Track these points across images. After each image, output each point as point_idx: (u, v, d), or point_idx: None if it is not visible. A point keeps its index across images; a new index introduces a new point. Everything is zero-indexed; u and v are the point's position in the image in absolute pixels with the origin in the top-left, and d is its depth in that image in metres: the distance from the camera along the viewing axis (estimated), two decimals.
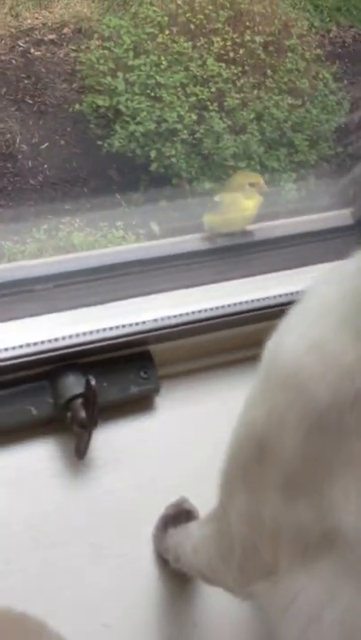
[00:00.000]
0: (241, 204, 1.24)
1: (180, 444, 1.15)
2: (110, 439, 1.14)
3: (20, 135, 3.31)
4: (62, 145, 3.35)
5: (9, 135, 3.31)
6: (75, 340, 1.12)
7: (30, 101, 3.41)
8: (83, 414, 1.09)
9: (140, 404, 1.17)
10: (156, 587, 1.07)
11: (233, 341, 1.20)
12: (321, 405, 0.68)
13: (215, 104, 3.21)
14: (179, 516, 1.09)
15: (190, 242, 1.25)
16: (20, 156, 3.27)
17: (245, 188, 1.23)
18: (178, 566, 1.03)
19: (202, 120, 3.20)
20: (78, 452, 1.12)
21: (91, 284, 1.19)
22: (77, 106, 3.33)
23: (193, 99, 3.20)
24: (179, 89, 3.21)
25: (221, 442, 1.16)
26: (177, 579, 1.07)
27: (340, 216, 1.33)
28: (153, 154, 3.20)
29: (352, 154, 3.39)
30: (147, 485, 1.12)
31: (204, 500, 1.10)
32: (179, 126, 3.17)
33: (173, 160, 3.18)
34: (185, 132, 3.18)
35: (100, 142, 3.24)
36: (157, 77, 3.21)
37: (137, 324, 1.13)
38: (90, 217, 3.04)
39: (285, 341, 0.78)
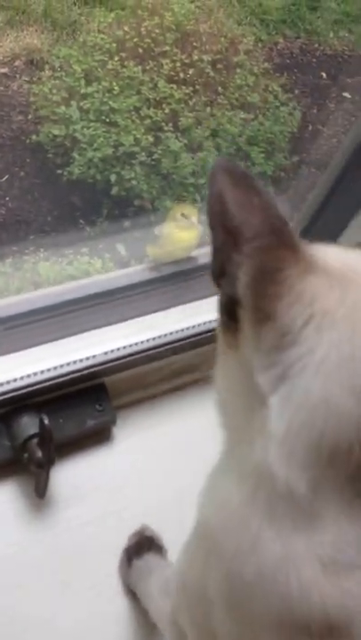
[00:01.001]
0: (178, 237, 1.24)
1: (140, 473, 1.15)
2: (70, 475, 1.15)
3: None
4: (22, 176, 3.35)
5: None
6: (27, 381, 1.12)
7: None
8: (39, 454, 1.09)
9: (98, 436, 1.17)
10: (127, 619, 1.07)
11: (185, 365, 1.20)
12: (227, 555, 0.68)
13: (170, 124, 3.22)
14: (141, 544, 1.09)
15: (136, 273, 1.26)
16: None
17: (182, 220, 1.24)
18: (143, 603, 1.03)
19: (158, 141, 3.21)
20: (38, 492, 1.12)
21: (40, 324, 1.19)
22: (34, 137, 3.32)
23: (148, 121, 3.21)
24: (133, 113, 3.21)
25: (179, 466, 1.17)
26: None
27: None
28: (113, 178, 3.21)
29: (308, 162, 3.42)
30: (110, 517, 1.12)
31: (167, 526, 1.11)
32: (136, 149, 3.18)
33: (134, 182, 3.19)
34: (143, 154, 3.18)
35: (59, 171, 3.24)
36: (111, 103, 3.21)
37: (88, 358, 1.14)
38: (55, 245, 3.04)
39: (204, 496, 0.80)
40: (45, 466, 1.08)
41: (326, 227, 1.26)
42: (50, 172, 3.29)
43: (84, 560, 1.09)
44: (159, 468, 1.16)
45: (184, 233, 1.24)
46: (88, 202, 3.30)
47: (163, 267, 1.26)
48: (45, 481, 1.10)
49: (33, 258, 2.95)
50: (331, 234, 1.26)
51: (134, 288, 1.22)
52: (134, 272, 1.26)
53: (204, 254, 1.28)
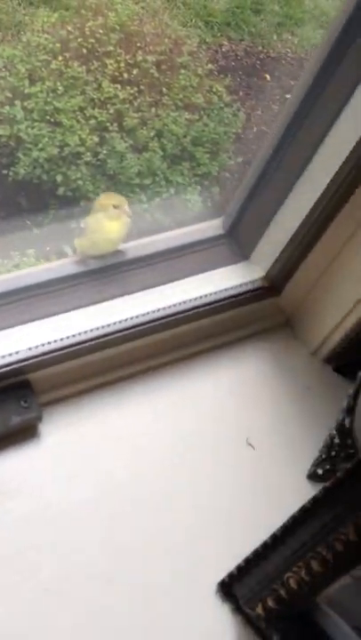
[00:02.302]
0: (105, 228, 1.20)
1: (67, 470, 1.13)
2: None
3: None
4: None
5: None
6: None
7: None
8: None
9: (23, 433, 1.14)
10: (48, 615, 1.04)
11: (111, 362, 1.18)
12: None
13: (115, 125, 3.22)
14: None
15: (62, 266, 1.23)
16: None
17: (110, 210, 1.21)
18: None
19: (103, 141, 3.20)
20: None
21: None
22: None
23: (92, 121, 3.20)
24: (77, 113, 3.21)
25: (107, 461, 1.15)
26: None
27: (211, 227, 1.33)
28: (59, 178, 3.20)
29: (251, 162, 3.43)
30: (38, 514, 1.10)
31: (93, 522, 1.09)
32: (81, 149, 3.17)
33: (80, 182, 3.18)
34: (88, 154, 3.18)
35: (5, 171, 3.22)
36: (55, 103, 3.20)
37: (11, 354, 1.11)
38: (1, 246, 3.01)
39: None
40: None
41: (254, 219, 1.26)
42: None
43: (8, 557, 1.07)
44: (86, 464, 1.14)
45: (113, 223, 1.20)
46: (35, 202, 3.28)
47: (90, 260, 1.23)
48: None
49: None
50: (259, 226, 1.26)
51: (60, 282, 1.19)
52: (60, 265, 1.23)
53: (133, 247, 1.27)
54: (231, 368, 1.27)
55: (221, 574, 1.04)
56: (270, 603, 0.95)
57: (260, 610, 0.96)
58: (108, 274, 1.23)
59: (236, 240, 1.31)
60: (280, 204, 1.20)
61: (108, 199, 1.22)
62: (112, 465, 1.14)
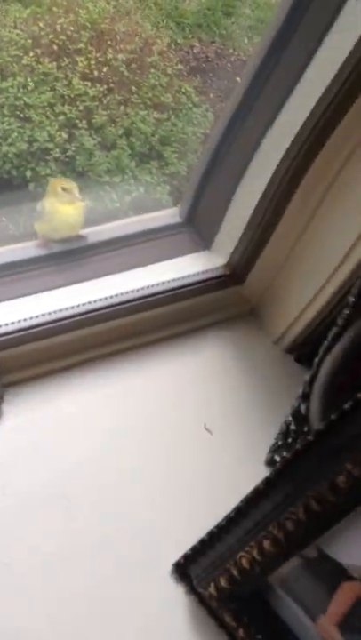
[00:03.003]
0: (63, 212, 1.21)
1: (28, 450, 1.13)
2: None
3: None
4: None
5: None
6: None
7: None
8: None
9: None
10: (3, 590, 1.04)
11: (73, 345, 1.19)
12: None
13: (84, 122, 3.22)
14: None
15: (25, 249, 1.23)
16: None
17: (61, 194, 1.21)
18: None
19: (72, 138, 3.20)
20: None
21: None
22: None
23: (62, 117, 3.21)
24: (47, 109, 3.21)
25: (68, 444, 1.16)
26: None
27: (168, 215, 1.34)
28: (28, 174, 3.19)
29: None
30: None
31: (52, 503, 1.10)
32: (50, 145, 3.17)
33: (50, 179, 3.15)
34: (57, 150, 3.17)
35: None
36: (25, 98, 3.20)
37: None
38: None
39: None
40: None
41: (210, 207, 1.27)
42: None
43: None
44: (45, 445, 1.14)
45: (68, 207, 1.21)
46: (5, 197, 3.26)
47: (52, 244, 1.24)
48: None
49: None
50: (216, 213, 1.27)
51: (23, 265, 1.20)
52: (23, 248, 1.24)
53: (94, 233, 1.28)
54: (193, 355, 1.28)
55: (177, 556, 1.06)
56: (223, 582, 0.96)
57: (212, 589, 0.97)
58: (71, 258, 1.23)
59: (196, 228, 1.31)
60: (234, 190, 1.21)
61: (58, 183, 1.22)
62: (71, 448, 1.14)
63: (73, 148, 3.18)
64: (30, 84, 3.21)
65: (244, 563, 0.93)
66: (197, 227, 1.31)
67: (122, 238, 1.27)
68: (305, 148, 1.10)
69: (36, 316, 1.14)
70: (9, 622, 1.00)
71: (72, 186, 1.21)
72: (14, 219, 3.15)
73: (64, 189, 1.21)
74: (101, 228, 1.29)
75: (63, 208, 1.21)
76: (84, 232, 1.25)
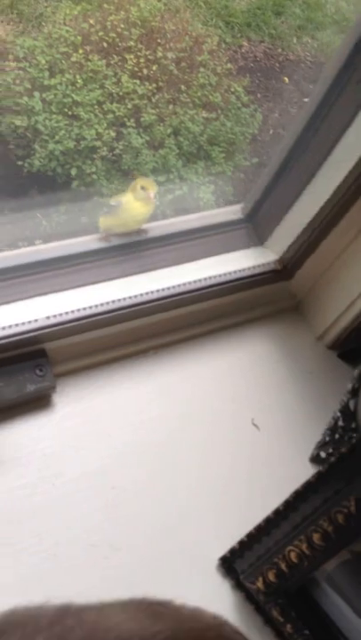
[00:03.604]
0: (135, 208, 1.26)
1: (79, 440, 1.15)
2: (9, 438, 1.13)
3: None
4: None
5: None
6: None
7: None
8: None
9: (38, 402, 1.16)
10: (58, 583, 1.07)
11: (124, 336, 1.21)
12: None
13: (132, 120, 3.21)
14: None
15: (85, 242, 1.26)
16: None
17: (141, 193, 1.25)
18: None
19: (120, 136, 3.20)
20: None
21: None
22: None
23: (110, 116, 3.20)
24: (95, 106, 3.20)
25: (118, 434, 1.18)
26: None
27: (230, 212, 1.36)
28: (73, 172, 3.18)
29: (267, 164, 3.44)
30: (47, 482, 1.12)
31: (101, 491, 1.12)
32: (98, 143, 3.16)
33: (94, 177, 3.17)
34: (104, 148, 3.16)
35: (20, 162, 3.21)
36: (74, 96, 3.19)
37: (29, 322, 1.14)
38: (8, 238, 3.01)
39: None
40: None
41: (273, 206, 1.30)
42: (10, 164, 3.26)
43: (19, 523, 1.09)
44: (96, 436, 1.16)
45: (141, 205, 1.25)
46: (47, 195, 3.28)
47: (113, 237, 1.27)
48: None
49: None
50: (277, 213, 1.29)
51: (82, 257, 1.23)
52: (84, 241, 1.26)
53: (155, 227, 1.30)
54: (238, 349, 1.30)
55: (223, 551, 1.07)
56: (271, 577, 0.97)
57: (260, 584, 0.99)
58: (130, 251, 1.26)
59: (254, 225, 1.34)
60: (301, 192, 1.24)
61: (141, 182, 1.26)
62: (121, 438, 1.17)
63: (120, 147, 3.18)
64: (79, 81, 3.21)
65: (293, 557, 0.94)
66: (257, 223, 1.34)
67: (181, 233, 1.29)
68: None
69: (89, 307, 1.16)
70: None
71: (152, 186, 1.25)
72: (48, 214, 3.18)
73: (143, 187, 1.24)
74: (162, 223, 1.32)
75: (138, 205, 1.25)
76: (145, 226, 1.29)
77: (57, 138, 3.17)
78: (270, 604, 0.98)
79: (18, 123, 3.21)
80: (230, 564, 1.05)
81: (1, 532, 1.07)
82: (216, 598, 1.06)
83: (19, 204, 3.25)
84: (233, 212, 1.36)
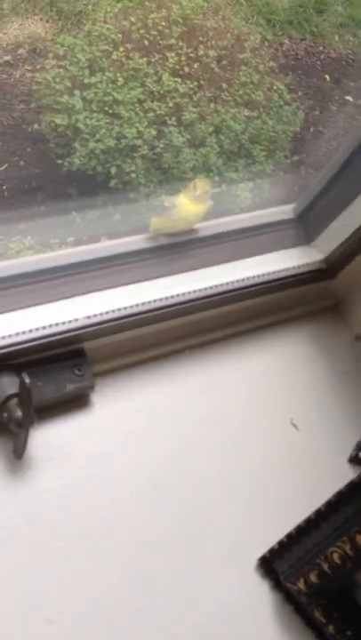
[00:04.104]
0: (190, 210, 1.26)
1: (117, 440, 1.16)
2: (48, 438, 1.14)
3: None
4: (22, 165, 3.34)
5: None
6: (7, 341, 1.12)
7: None
8: (19, 413, 1.09)
9: (76, 401, 1.17)
10: (94, 580, 1.07)
11: (163, 335, 1.21)
12: None
13: (173, 118, 3.21)
14: None
15: (133, 242, 1.27)
16: None
17: (198, 194, 1.25)
18: None
19: (161, 135, 3.20)
20: (16, 453, 1.12)
21: (27, 288, 1.20)
22: (36, 126, 3.32)
23: (151, 114, 3.19)
24: (136, 105, 3.20)
25: (155, 434, 1.18)
26: None
27: (283, 211, 1.36)
28: (113, 170, 3.18)
29: (307, 162, 3.43)
30: (86, 482, 1.13)
31: (141, 492, 1.12)
32: (138, 142, 3.16)
33: (133, 175, 3.17)
34: (145, 147, 3.16)
35: (60, 161, 3.23)
36: (114, 94, 3.19)
37: (69, 321, 1.14)
38: (42, 235, 3.02)
39: None
40: (25, 425, 1.09)
41: (325, 208, 1.30)
42: (50, 162, 3.29)
43: (56, 523, 1.10)
44: (135, 436, 1.17)
45: (196, 205, 1.26)
46: (84, 194, 3.28)
47: (161, 237, 1.27)
48: (24, 442, 1.10)
49: (18, 246, 2.94)
50: (328, 214, 1.29)
51: (127, 257, 1.23)
52: (131, 241, 1.27)
53: (204, 227, 1.31)
54: (277, 348, 1.30)
55: (262, 551, 1.07)
56: (312, 577, 0.97)
57: (301, 584, 0.98)
58: (175, 251, 1.27)
59: (304, 225, 1.34)
60: (354, 197, 1.24)
61: (198, 183, 1.26)
62: (160, 438, 1.17)
63: (161, 145, 3.18)
64: (120, 79, 3.21)
65: (336, 557, 0.94)
66: (306, 224, 1.34)
67: (230, 232, 1.30)
68: None
69: (130, 306, 1.17)
70: (97, 613, 1.03)
71: (208, 186, 1.26)
72: (84, 213, 3.19)
73: (198, 188, 1.25)
74: (214, 222, 1.32)
75: (192, 206, 1.26)
76: (196, 226, 1.30)
77: (97, 136, 3.17)
78: (312, 605, 0.98)
79: (58, 121, 3.22)
80: (270, 565, 1.05)
81: (39, 531, 1.08)
82: (255, 599, 1.06)
83: (55, 202, 3.26)
84: (285, 211, 1.36)
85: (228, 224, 1.34)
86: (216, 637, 1.03)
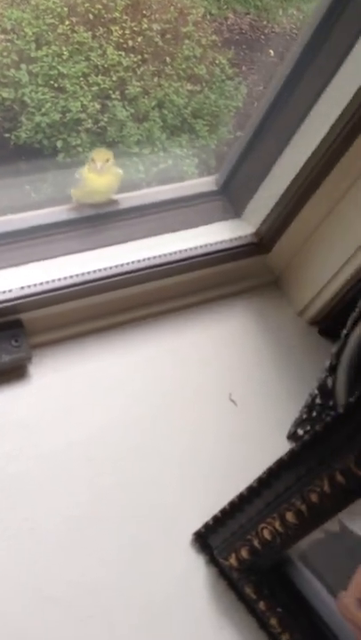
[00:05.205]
0: (94, 181, 1.20)
1: (54, 412, 1.11)
2: None
3: None
4: None
5: None
6: None
7: None
8: None
9: (13, 372, 1.12)
10: (29, 551, 1.02)
11: (99, 308, 1.17)
12: None
13: (117, 92, 3.15)
14: None
15: (59, 212, 1.21)
16: None
17: (100, 166, 1.19)
18: None
19: (105, 109, 3.14)
20: None
21: None
22: None
23: (95, 88, 3.14)
24: (81, 79, 3.14)
25: (94, 407, 1.14)
26: None
27: (204, 183, 1.31)
28: (59, 144, 3.13)
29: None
30: (23, 453, 1.08)
31: (77, 464, 1.08)
32: (83, 116, 3.10)
33: (80, 149, 3.11)
34: (89, 121, 3.11)
35: (7, 135, 3.15)
36: (60, 68, 3.13)
37: (4, 292, 1.09)
38: None
39: None
40: None
41: (247, 177, 1.24)
42: None
43: None
44: (72, 408, 1.12)
45: (103, 177, 1.20)
46: (34, 167, 3.22)
47: (84, 208, 1.22)
48: None
49: None
50: (251, 183, 1.23)
51: (56, 227, 1.17)
52: (56, 212, 1.21)
53: (128, 198, 1.25)
54: (218, 323, 1.26)
55: (198, 526, 1.03)
56: (243, 553, 0.93)
57: (233, 560, 0.95)
58: (103, 222, 1.22)
59: (229, 197, 1.29)
60: (274, 161, 1.19)
61: (98, 154, 1.20)
62: (96, 411, 1.13)
63: (105, 119, 3.12)
64: (65, 53, 3.14)
65: (266, 534, 0.90)
66: (232, 195, 1.29)
67: (154, 204, 1.24)
68: (349, 125, 1.08)
69: (65, 278, 1.12)
70: (32, 585, 0.98)
71: (108, 156, 1.20)
72: (36, 187, 3.12)
73: (104, 160, 1.19)
74: (135, 194, 1.27)
75: (99, 177, 1.21)
76: (117, 197, 1.23)
77: (43, 110, 3.11)
78: (243, 581, 0.94)
79: (5, 95, 3.14)
80: (205, 540, 1.01)
81: None
82: (190, 573, 1.02)
83: (6, 177, 3.18)
84: (207, 183, 1.30)
85: (151, 195, 1.29)
86: (150, 611, 0.99)
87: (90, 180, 1.21)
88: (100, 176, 1.20)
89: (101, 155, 1.20)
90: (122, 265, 1.14)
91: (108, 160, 1.20)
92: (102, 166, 1.19)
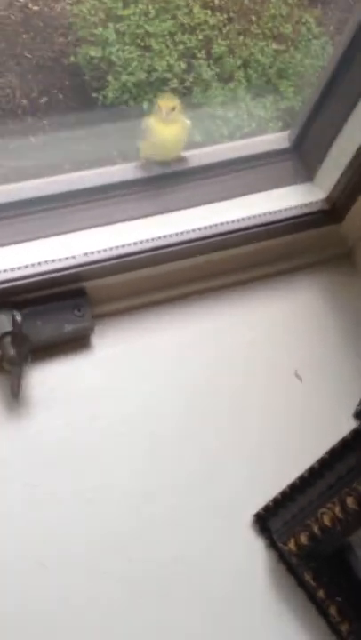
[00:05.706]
0: (165, 132, 1.11)
1: (117, 383, 1.07)
2: (46, 378, 1.05)
3: (19, 90, 3.17)
4: (60, 99, 3.20)
5: (9, 90, 3.17)
6: (3, 277, 1.01)
7: (29, 55, 3.25)
8: (12, 352, 0.99)
9: (76, 342, 1.07)
10: (87, 525, 0.98)
11: (166, 278, 1.09)
12: None
13: (203, 52, 3.06)
14: None
15: (123, 171, 1.13)
16: (20, 112, 3.12)
17: (165, 114, 1.10)
18: None
19: (191, 69, 3.05)
20: (13, 392, 1.03)
21: (21, 219, 1.07)
22: (73, 58, 3.16)
23: (181, 47, 3.05)
24: (167, 37, 3.06)
25: (157, 379, 1.07)
26: None
27: (276, 139, 1.20)
28: (145, 105, 3.04)
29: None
30: (83, 423, 1.04)
31: (137, 437, 1.03)
32: (169, 75, 3.02)
33: None
34: (175, 80, 3.03)
35: (95, 94, 3.08)
36: (146, 26, 3.06)
37: (68, 258, 1.03)
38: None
39: None
40: (19, 364, 0.99)
41: (319, 134, 1.13)
42: (86, 96, 3.13)
43: (51, 463, 1.02)
44: (134, 380, 1.07)
45: (168, 126, 1.10)
46: (121, 130, 3.15)
47: (153, 166, 1.13)
48: (19, 381, 1.01)
49: None
50: (324, 142, 1.12)
51: (121, 187, 1.09)
52: (122, 169, 1.13)
53: (196, 156, 1.16)
54: (286, 297, 1.17)
55: (258, 507, 0.97)
56: (303, 539, 0.87)
57: (292, 545, 0.88)
58: (170, 183, 1.13)
59: (302, 156, 1.17)
60: (346, 118, 1.07)
61: (164, 100, 1.11)
62: (159, 384, 1.07)
63: (191, 79, 3.03)
64: (152, 11, 3.06)
65: (326, 520, 0.83)
66: (304, 154, 1.17)
67: (224, 163, 1.15)
68: None
69: (130, 244, 1.05)
70: (89, 555, 0.96)
71: (174, 103, 1.10)
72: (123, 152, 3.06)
73: (171, 108, 1.10)
74: (205, 150, 1.19)
75: (164, 127, 1.11)
76: (185, 154, 1.15)
77: (130, 69, 3.03)
78: (302, 567, 0.88)
79: (93, 53, 3.08)
80: (265, 522, 0.95)
81: (35, 473, 1.00)
82: (249, 556, 0.97)
83: (95, 140, 3.12)
84: (279, 139, 1.19)
85: (219, 153, 1.20)
86: (207, 591, 0.95)
87: (156, 131, 1.12)
88: (166, 125, 1.11)
89: (167, 101, 1.11)
90: (187, 232, 1.07)
91: (174, 108, 1.10)
92: (168, 113, 1.09)
